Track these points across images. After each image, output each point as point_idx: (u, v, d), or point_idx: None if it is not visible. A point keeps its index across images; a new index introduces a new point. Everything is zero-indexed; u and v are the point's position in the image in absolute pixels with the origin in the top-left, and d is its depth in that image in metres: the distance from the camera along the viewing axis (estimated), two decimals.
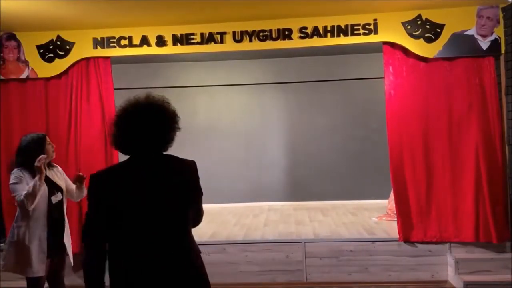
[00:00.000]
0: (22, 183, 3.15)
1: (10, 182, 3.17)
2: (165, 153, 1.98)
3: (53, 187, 3.31)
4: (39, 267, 3.18)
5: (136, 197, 1.86)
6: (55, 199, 3.30)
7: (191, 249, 1.98)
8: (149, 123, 1.90)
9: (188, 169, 2.01)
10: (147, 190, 1.87)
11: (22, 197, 3.08)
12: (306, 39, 4.77)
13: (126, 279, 1.86)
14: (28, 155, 3.19)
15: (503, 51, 4.58)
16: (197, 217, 2.12)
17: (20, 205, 3.16)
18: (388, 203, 5.94)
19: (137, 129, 1.89)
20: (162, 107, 1.96)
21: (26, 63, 4.98)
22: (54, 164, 3.47)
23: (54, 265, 3.38)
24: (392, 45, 4.72)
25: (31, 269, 3.17)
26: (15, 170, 3.22)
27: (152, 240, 1.86)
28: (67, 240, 3.40)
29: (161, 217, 1.87)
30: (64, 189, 3.42)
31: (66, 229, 3.41)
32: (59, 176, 3.44)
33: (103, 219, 1.86)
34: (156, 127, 1.91)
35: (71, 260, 3.46)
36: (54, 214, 3.30)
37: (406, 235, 4.70)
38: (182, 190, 1.93)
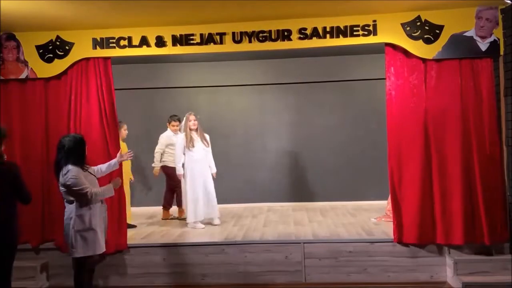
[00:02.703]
0: (82, 178, 3.71)
1: (71, 177, 3.65)
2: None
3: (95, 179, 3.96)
4: (103, 244, 3.89)
5: None
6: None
7: (12, 215, 3.57)
8: None
9: (12, 167, 3.58)
10: None
11: (92, 192, 3.70)
12: (306, 40, 4.77)
13: None
14: (76, 154, 3.76)
15: (502, 52, 4.58)
16: (24, 198, 3.64)
17: (85, 196, 3.70)
18: (387, 204, 5.93)
19: None
20: None
21: (25, 63, 4.99)
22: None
23: None
24: (394, 46, 4.72)
25: (99, 247, 3.83)
26: (71, 166, 3.69)
27: None
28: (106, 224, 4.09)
29: None
30: None
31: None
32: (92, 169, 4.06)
33: None
34: None
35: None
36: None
37: (401, 236, 4.71)
38: (8, 180, 3.50)
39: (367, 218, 6.00)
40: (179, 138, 5.85)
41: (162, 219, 6.42)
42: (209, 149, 5.96)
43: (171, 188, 6.50)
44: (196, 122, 5.83)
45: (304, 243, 4.83)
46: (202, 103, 7.74)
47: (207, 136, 5.94)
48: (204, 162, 5.87)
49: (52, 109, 5.02)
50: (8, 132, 3.94)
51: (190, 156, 5.77)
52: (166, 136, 6.50)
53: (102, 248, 3.87)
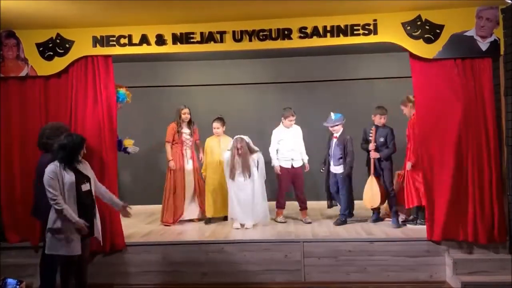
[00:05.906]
0: (55, 180, 3.65)
1: (48, 175, 3.65)
2: None
3: (82, 177, 3.82)
4: (74, 246, 3.71)
5: None
6: (84, 187, 3.80)
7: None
8: None
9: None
10: None
11: (57, 205, 3.62)
12: (306, 39, 4.77)
13: None
14: (69, 152, 3.72)
15: (502, 52, 4.58)
16: None
17: (50, 200, 3.67)
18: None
19: None
20: None
21: (25, 61, 4.98)
22: (82, 160, 3.92)
23: (82, 245, 3.84)
24: None
25: (69, 248, 3.70)
26: (53, 164, 3.71)
27: None
28: (98, 224, 3.94)
29: None
30: (92, 179, 3.92)
31: (96, 214, 3.92)
32: (87, 168, 3.94)
33: None
34: None
35: (101, 242, 4.12)
36: (86, 201, 3.81)
37: (432, 234, 4.67)
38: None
39: (366, 217, 5.99)
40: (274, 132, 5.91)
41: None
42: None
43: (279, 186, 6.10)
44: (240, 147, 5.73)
45: (303, 242, 4.83)
46: (201, 102, 7.73)
47: (254, 158, 5.89)
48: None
49: (52, 107, 5.01)
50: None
51: None
52: (276, 131, 6.17)
53: (72, 250, 3.72)
